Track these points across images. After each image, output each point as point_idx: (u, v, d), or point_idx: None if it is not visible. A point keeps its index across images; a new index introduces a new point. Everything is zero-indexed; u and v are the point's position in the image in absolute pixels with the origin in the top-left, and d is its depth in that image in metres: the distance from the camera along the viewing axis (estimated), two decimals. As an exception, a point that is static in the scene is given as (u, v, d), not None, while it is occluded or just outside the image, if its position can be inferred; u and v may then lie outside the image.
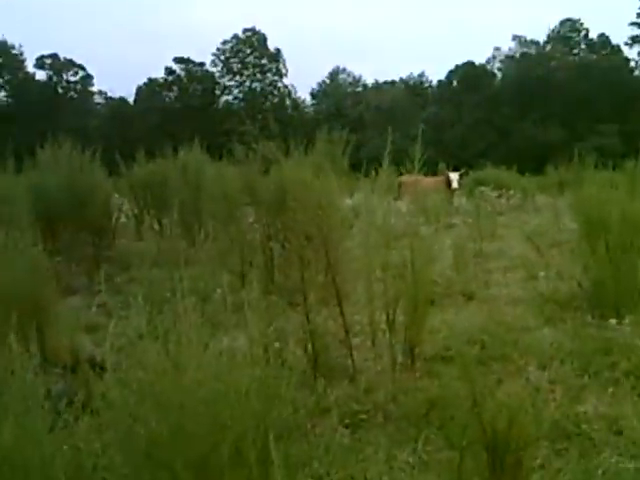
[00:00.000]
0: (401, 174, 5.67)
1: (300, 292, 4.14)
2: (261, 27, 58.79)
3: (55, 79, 55.68)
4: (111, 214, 10.20)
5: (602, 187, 6.32)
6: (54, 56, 55.00)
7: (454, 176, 15.18)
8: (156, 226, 10.31)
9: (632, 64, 51.43)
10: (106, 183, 10.45)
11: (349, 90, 62.13)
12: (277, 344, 4.93)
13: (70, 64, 55.69)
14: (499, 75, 55.29)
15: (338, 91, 60.79)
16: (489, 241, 9.08)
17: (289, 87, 59.42)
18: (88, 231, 9.56)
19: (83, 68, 56.26)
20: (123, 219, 11.00)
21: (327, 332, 4.29)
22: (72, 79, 56.61)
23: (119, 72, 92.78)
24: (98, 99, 58.60)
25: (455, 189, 14.94)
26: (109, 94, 57.68)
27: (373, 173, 4.68)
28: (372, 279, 4.24)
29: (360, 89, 62.35)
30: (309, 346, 4.16)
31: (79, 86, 57.02)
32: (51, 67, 55.27)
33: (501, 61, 56.93)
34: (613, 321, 4.64)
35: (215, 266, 7.25)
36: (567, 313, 5.47)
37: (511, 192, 15.10)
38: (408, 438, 3.54)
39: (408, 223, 4.81)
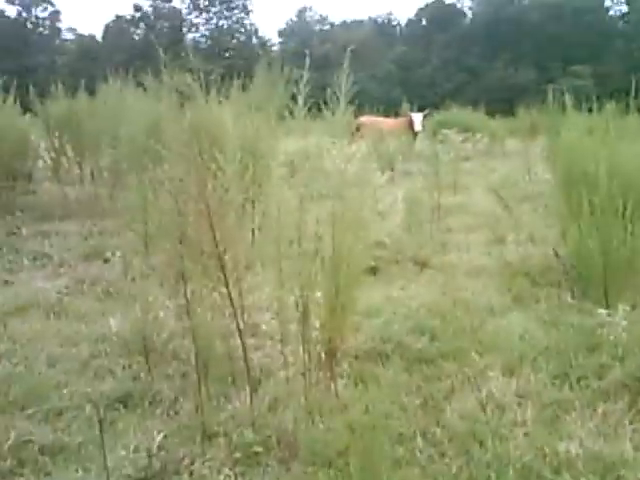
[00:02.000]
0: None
1: (180, 273, 2.98)
2: (229, -37, 56.21)
3: (25, 15, 53.12)
4: (26, 156, 8.99)
5: (582, 132, 5.22)
6: (23, -9, 52.39)
7: (417, 117, 13.95)
8: (77, 171, 8.99)
9: (607, 4, 49.89)
10: (22, 122, 9.19)
11: (316, 28, 60.07)
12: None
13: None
14: (469, 14, 53.52)
15: (305, 29, 58.73)
16: (450, 193, 7.92)
17: (255, 25, 57.56)
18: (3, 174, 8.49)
19: (52, 4, 53.83)
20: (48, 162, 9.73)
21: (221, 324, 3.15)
22: (41, 15, 54.05)
23: (87, 9, 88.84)
24: (69, 36, 56.17)
25: (418, 131, 13.74)
26: (78, 31, 55.65)
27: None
28: (283, 251, 3.09)
29: (327, 27, 60.36)
30: (193, 346, 3.03)
31: (48, 22, 54.46)
32: (20, 3, 52.58)
33: (472, 0, 55.09)
34: (603, 311, 3.55)
35: (123, 222, 6.07)
36: (541, 290, 4.43)
37: (478, 136, 13.91)
38: (316, 493, 2.47)
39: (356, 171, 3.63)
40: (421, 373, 3.34)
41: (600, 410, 2.90)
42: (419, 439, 2.75)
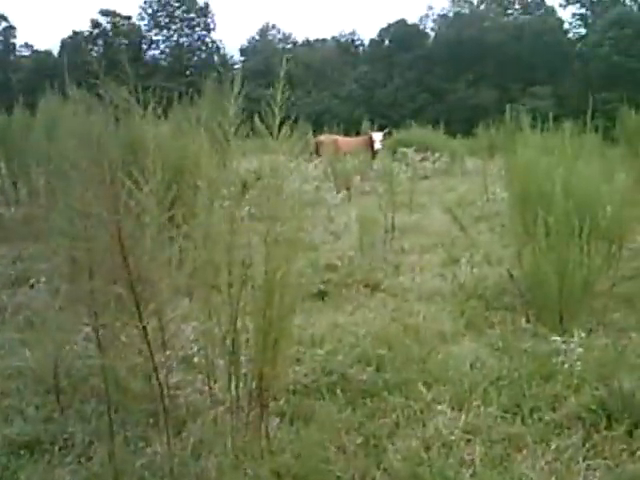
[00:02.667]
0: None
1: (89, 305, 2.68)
2: (189, -20, 55.92)
3: (-23, 30, 52.20)
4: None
5: (539, 151, 5.06)
6: (-25, 6, 51.59)
7: (377, 136, 13.86)
8: (11, 190, 8.61)
9: (566, 25, 50.75)
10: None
11: (279, 47, 59.97)
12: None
13: (-8, 15, 52.08)
14: (432, 35, 53.93)
15: (268, 48, 58.54)
16: (406, 212, 7.71)
17: (217, 43, 57.02)
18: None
19: (6, 19, 52.81)
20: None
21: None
22: (-6, 31, 53.05)
23: (43, 24, 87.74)
24: (24, 52, 55.02)
25: (377, 150, 13.60)
26: (34, 47, 54.47)
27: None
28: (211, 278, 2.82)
29: (290, 46, 60.29)
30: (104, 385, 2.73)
31: (2, 38, 53.36)
32: (-27, 18, 51.65)
33: (434, 20, 55.51)
34: (558, 338, 3.33)
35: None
36: (495, 314, 4.22)
37: (437, 155, 13.82)
38: None
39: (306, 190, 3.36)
40: (364, 408, 3.07)
41: (553, 446, 2.67)
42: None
